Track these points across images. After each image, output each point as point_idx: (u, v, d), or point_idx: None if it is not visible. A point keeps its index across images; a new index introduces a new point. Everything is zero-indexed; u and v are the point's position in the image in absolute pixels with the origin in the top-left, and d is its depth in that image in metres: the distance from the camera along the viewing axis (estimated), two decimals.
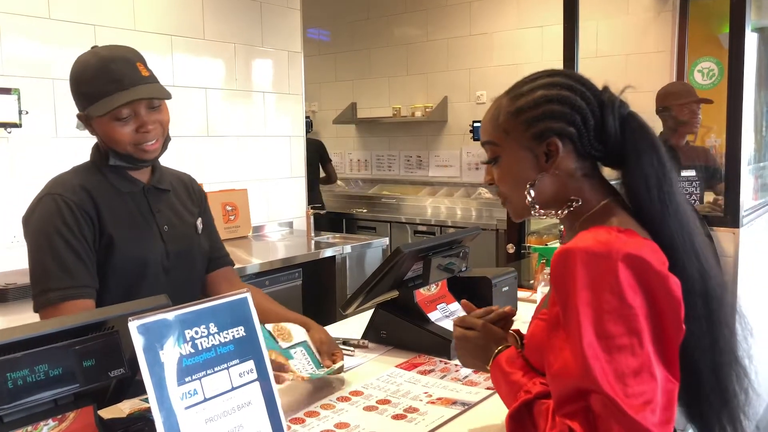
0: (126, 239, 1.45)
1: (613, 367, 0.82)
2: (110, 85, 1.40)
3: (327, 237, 3.94)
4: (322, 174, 5.37)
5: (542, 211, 1.03)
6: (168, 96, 1.49)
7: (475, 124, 5.12)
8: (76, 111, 1.49)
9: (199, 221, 1.65)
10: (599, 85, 1.03)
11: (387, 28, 5.78)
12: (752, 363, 1.00)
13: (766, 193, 3.43)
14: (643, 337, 0.83)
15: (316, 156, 5.30)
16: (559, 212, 1.02)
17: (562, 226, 2.60)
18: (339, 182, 6.18)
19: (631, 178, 0.98)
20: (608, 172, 1.06)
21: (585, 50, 3.18)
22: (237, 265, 3.03)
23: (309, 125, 5.50)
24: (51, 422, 0.93)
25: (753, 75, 3.01)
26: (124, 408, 1.25)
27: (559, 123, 0.98)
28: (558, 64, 3.25)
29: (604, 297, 0.84)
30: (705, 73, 3.52)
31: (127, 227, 1.47)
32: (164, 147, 1.53)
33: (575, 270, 0.85)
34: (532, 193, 1.01)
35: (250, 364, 1.02)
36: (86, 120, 1.46)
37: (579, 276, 0.85)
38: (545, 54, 4.73)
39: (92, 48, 1.49)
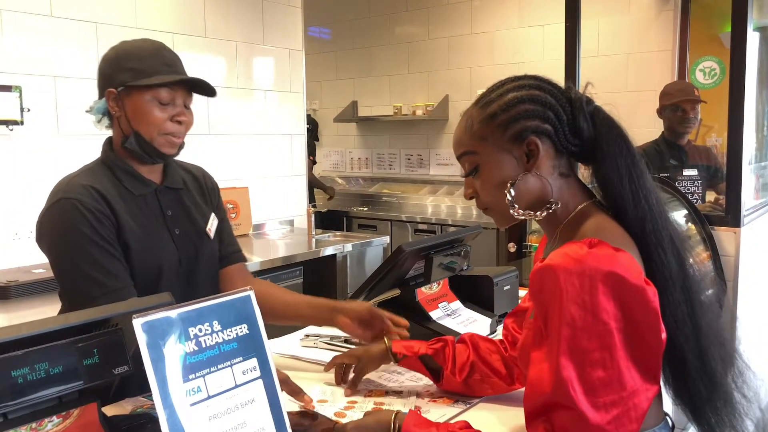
0: (140, 246, 1.43)
1: (584, 380, 0.86)
2: (164, 66, 1.43)
3: (328, 235, 3.94)
4: None
5: (521, 211, 1.03)
6: (214, 92, 1.50)
7: None
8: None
9: (211, 221, 1.61)
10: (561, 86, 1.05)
11: (388, 26, 5.78)
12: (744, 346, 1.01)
13: (767, 192, 3.43)
14: (614, 350, 0.86)
15: None
16: (539, 213, 1.02)
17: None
18: (340, 180, 6.19)
19: (603, 168, 0.99)
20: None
21: (586, 49, 3.19)
22: None
23: (315, 127, 5.56)
24: (55, 419, 0.94)
25: (754, 74, 3.01)
26: (127, 407, 1.26)
27: (534, 121, 0.99)
28: (559, 63, 3.25)
29: (579, 314, 0.86)
30: (706, 73, 3.52)
31: (141, 234, 1.44)
32: (180, 150, 1.52)
33: (552, 287, 0.88)
34: (512, 192, 1.01)
35: (253, 362, 1.02)
36: (117, 97, 1.43)
37: (555, 293, 0.87)
38: (546, 53, 4.73)
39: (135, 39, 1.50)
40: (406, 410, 1.11)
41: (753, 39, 2.76)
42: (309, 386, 1.36)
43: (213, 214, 1.63)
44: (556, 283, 0.87)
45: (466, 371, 1.33)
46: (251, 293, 1.05)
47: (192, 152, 3.47)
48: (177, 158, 1.59)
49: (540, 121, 1.00)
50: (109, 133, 1.52)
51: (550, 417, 0.88)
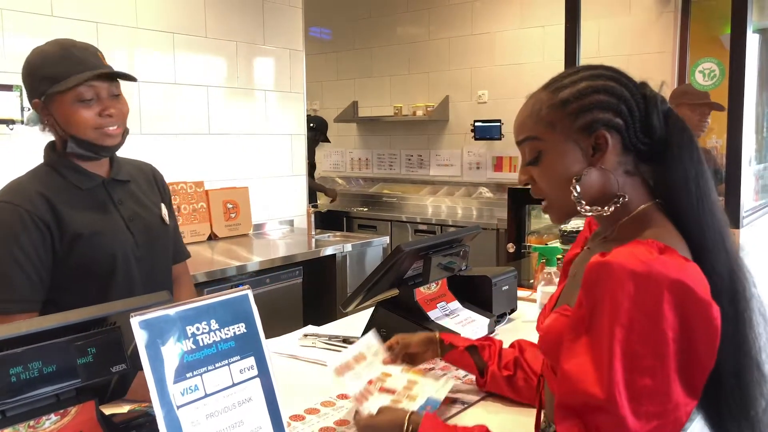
0: (92, 235, 1.46)
1: (631, 386, 0.83)
2: (75, 66, 1.42)
3: (327, 235, 3.94)
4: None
5: (588, 207, 0.98)
6: (134, 78, 1.50)
7: (477, 124, 5.13)
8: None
9: (164, 210, 1.65)
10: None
11: (389, 27, 5.78)
12: None
13: (766, 194, 3.43)
14: (666, 361, 0.84)
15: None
16: (606, 209, 0.98)
17: (562, 227, 2.60)
18: (340, 180, 6.19)
19: (671, 172, 0.96)
20: None
21: (586, 50, 3.19)
22: (238, 263, 3.05)
23: (323, 126, 5.51)
24: (53, 417, 0.94)
25: (754, 76, 3.01)
26: (124, 406, 1.26)
27: (606, 114, 0.95)
28: (560, 64, 3.25)
29: (638, 318, 0.83)
30: (706, 74, 3.53)
31: (92, 223, 1.47)
32: (123, 138, 1.52)
33: (613, 286, 0.84)
34: (578, 188, 0.97)
35: (250, 361, 1.02)
36: (44, 107, 1.44)
37: (615, 292, 0.84)
38: (547, 54, 4.73)
39: (46, 43, 1.50)
40: (435, 392, 1.10)
41: (753, 41, 2.76)
42: (311, 390, 1.36)
43: (163, 204, 1.66)
44: (617, 281, 0.84)
45: (511, 370, 1.31)
46: (249, 292, 1.05)
47: (192, 152, 3.51)
48: (127, 156, 1.61)
49: (612, 115, 0.95)
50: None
51: (587, 419, 0.86)
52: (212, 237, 3.61)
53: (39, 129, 1.52)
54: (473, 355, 1.36)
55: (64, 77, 1.41)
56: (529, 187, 1.04)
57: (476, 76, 5.26)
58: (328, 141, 5.72)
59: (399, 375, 1.30)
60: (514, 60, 5.00)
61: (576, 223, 2.53)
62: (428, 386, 1.28)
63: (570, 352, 0.90)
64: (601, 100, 0.96)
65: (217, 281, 2.87)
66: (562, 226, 2.59)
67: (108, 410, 1.15)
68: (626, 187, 0.99)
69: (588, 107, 0.96)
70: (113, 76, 1.47)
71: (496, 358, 1.33)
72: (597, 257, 0.88)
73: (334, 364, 1.24)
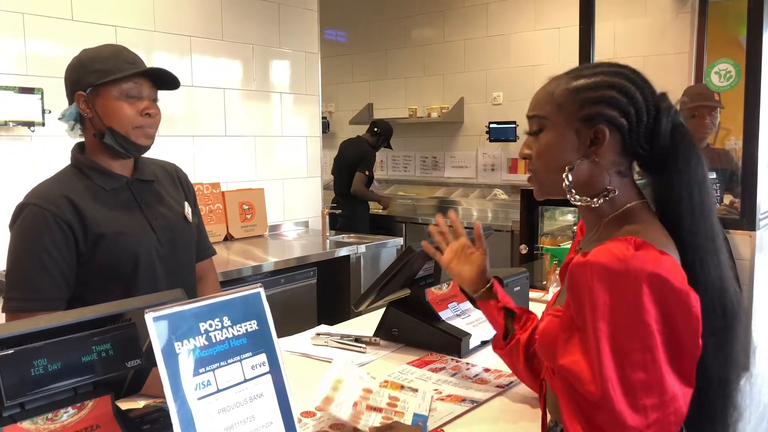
0: (115, 235, 1.49)
1: (624, 381, 0.85)
2: (125, 64, 1.50)
3: (342, 236, 3.97)
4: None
5: (577, 197, 1.01)
6: (178, 83, 1.56)
7: (491, 125, 5.13)
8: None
9: (187, 209, 1.69)
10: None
11: (404, 29, 5.80)
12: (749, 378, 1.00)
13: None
14: (656, 352, 0.85)
15: (354, 162, 4.98)
16: (595, 200, 1.01)
17: (575, 227, 2.60)
18: None
19: (668, 183, 0.97)
20: None
21: (603, 51, 3.18)
22: (253, 263, 3.08)
23: (325, 126, 5.51)
24: (70, 410, 0.96)
25: None
26: (140, 402, 1.28)
27: (613, 111, 0.97)
28: (574, 65, 3.24)
29: (621, 314, 0.86)
30: (722, 75, 3.49)
31: (116, 223, 1.51)
32: (152, 143, 1.57)
33: (593, 285, 0.87)
34: (570, 177, 1.00)
35: (262, 357, 1.04)
36: (87, 99, 1.49)
37: (596, 291, 0.87)
38: (562, 55, 4.72)
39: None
40: (420, 408, 1.12)
41: None
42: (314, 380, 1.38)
43: (186, 203, 1.70)
44: (597, 280, 0.87)
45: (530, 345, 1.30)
46: (261, 290, 1.07)
47: (209, 153, 3.55)
48: (149, 155, 1.65)
49: (618, 114, 0.97)
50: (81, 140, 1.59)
51: (590, 419, 0.87)
52: (228, 238, 3.65)
53: (67, 128, 1.56)
54: (506, 318, 1.33)
55: (114, 72, 1.48)
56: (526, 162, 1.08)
57: (491, 78, 5.26)
58: (390, 147, 5.39)
59: (379, 390, 1.33)
60: (529, 62, 4.99)
61: None
62: (410, 402, 1.30)
63: (564, 350, 0.92)
64: (612, 97, 0.97)
65: (233, 282, 2.91)
66: (574, 227, 2.59)
67: (124, 405, 1.18)
68: (617, 185, 1.01)
69: (596, 100, 0.98)
70: (160, 79, 1.54)
71: (529, 332, 1.30)
72: (578, 258, 0.91)
73: (316, 403, 1.24)
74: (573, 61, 3.19)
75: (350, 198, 4.99)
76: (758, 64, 2.58)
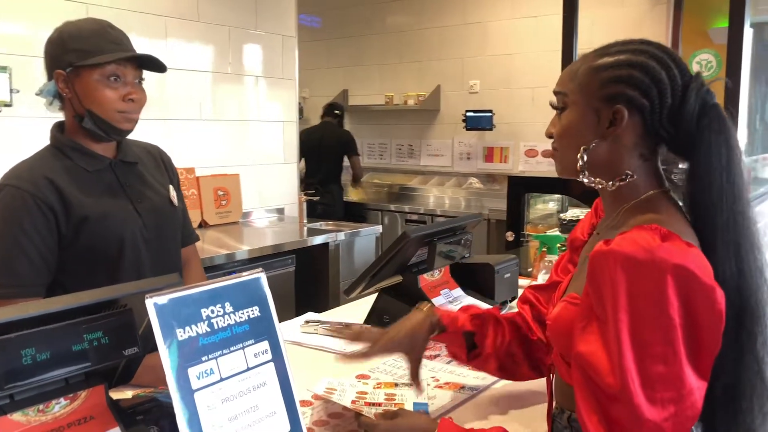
0: (99, 217, 1.43)
1: (643, 374, 0.83)
2: (109, 44, 1.42)
3: (319, 224, 3.92)
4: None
5: (592, 178, 0.99)
6: (164, 67, 1.49)
7: (468, 114, 5.12)
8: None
9: (172, 191, 1.63)
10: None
11: (379, 15, 5.74)
12: None
13: (757, 186, 3.46)
14: (677, 346, 0.83)
15: (340, 148, 5.09)
16: (610, 183, 0.98)
17: (562, 215, 2.60)
18: None
19: (695, 170, 0.93)
20: None
21: (580, 42, 3.18)
22: (227, 251, 3.01)
23: (300, 112, 5.43)
24: (62, 401, 0.91)
25: (748, 69, 3.03)
26: (127, 392, 1.23)
27: (633, 91, 0.94)
28: (552, 54, 3.24)
29: (644, 306, 0.83)
30: (703, 65, 3.54)
31: (99, 205, 1.45)
32: (134, 126, 1.51)
33: (615, 274, 0.84)
34: (585, 157, 0.97)
35: (264, 345, 1.00)
36: (67, 78, 1.42)
37: (619, 281, 0.84)
38: (540, 44, 4.72)
39: (80, 18, 1.49)
40: (418, 398, 1.09)
41: (747, 34, 2.77)
42: (314, 376, 1.35)
43: (171, 186, 1.64)
44: (621, 270, 0.84)
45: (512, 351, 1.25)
46: (262, 275, 1.03)
47: (183, 137, 3.45)
48: (132, 137, 1.58)
49: (639, 94, 0.93)
50: (61, 116, 1.51)
51: (607, 412, 0.85)
52: (203, 224, 3.57)
53: (46, 103, 1.49)
54: (467, 339, 1.27)
55: (96, 53, 1.39)
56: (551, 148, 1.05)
57: (468, 66, 5.25)
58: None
59: (373, 392, 1.29)
60: (506, 50, 4.99)
61: (574, 212, 2.53)
62: (407, 393, 1.27)
63: (582, 339, 0.89)
64: (633, 76, 0.94)
65: (208, 269, 2.83)
66: (561, 215, 2.60)
67: (113, 395, 1.13)
68: (638, 170, 0.98)
69: (617, 79, 0.95)
70: (144, 63, 1.46)
71: (492, 338, 1.23)
72: (600, 245, 0.88)
73: (313, 391, 1.21)
74: (550, 50, 3.20)
75: (331, 185, 4.96)
76: (738, 56, 2.61)
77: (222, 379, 0.92)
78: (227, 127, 3.74)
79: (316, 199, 3.90)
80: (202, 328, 0.92)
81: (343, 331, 1.25)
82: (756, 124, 3.80)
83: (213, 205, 3.61)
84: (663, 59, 0.95)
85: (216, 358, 0.93)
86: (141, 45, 3.21)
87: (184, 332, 0.90)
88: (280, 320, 1.81)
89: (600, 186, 1.00)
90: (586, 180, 1.00)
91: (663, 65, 0.94)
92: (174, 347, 0.88)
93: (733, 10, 2.64)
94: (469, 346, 1.27)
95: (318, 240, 3.43)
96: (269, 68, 3.98)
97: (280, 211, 4.08)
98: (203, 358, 0.91)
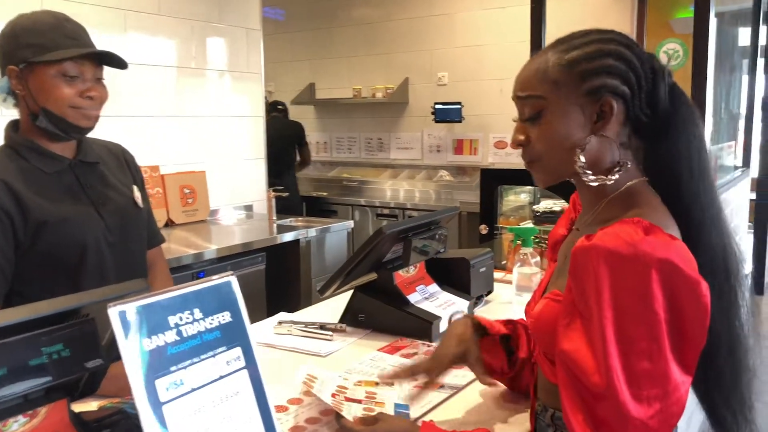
0: (59, 221, 1.36)
1: (629, 371, 0.81)
2: (66, 39, 1.34)
3: (289, 220, 3.85)
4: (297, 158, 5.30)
5: (593, 177, 0.95)
6: (125, 64, 1.42)
7: (437, 106, 5.10)
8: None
9: (136, 192, 1.56)
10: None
11: (345, 7, 5.68)
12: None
13: (723, 174, 3.51)
14: (662, 342, 0.82)
15: (294, 139, 5.19)
16: (609, 177, 0.95)
17: (535, 207, 2.59)
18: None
19: (671, 148, 0.93)
20: None
21: (548, 33, 3.18)
22: (195, 251, 2.94)
23: (279, 108, 5.35)
24: (21, 418, 0.86)
25: (713, 59, 3.06)
26: (93, 403, 1.17)
27: (615, 80, 0.91)
28: (520, 45, 3.23)
29: (629, 301, 0.81)
30: (670, 54, 3.57)
31: (59, 209, 1.37)
32: (95, 123, 1.43)
33: (598, 270, 0.82)
34: (583, 158, 0.93)
35: (237, 351, 0.95)
36: (20, 75, 1.34)
37: (603, 277, 0.82)
38: (508, 35, 4.71)
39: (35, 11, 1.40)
40: (399, 398, 1.06)
41: (713, 23, 2.80)
42: (289, 379, 1.30)
43: (135, 186, 1.58)
44: (604, 265, 0.82)
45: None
46: (233, 278, 0.99)
47: (147, 134, 3.36)
48: (93, 136, 1.51)
49: (620, 82, 0.91)
50: (15, 113, 1.43)
51: (592, 411, 0.83)
52: (169, 224, 3.48)
53: (15, 90, 1.39)
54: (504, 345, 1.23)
55: (51, 49, 1.32)
56: (520, 150, 0.99)
57: (436, 58, 5.22)
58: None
59: (354, 388, 1.25)
60: (474, 42, 4.98)
61: (547, 204, 2.52)
62: (388, 393, 1.23)
63: (566, 337, 0.88)
64: (611, 65, 0.92)
65: (175, 269, 2.76)
66: (534, 207, 2.59)
67: (77, 408, 1.07)
68: (624, 159, 0.96)
69: (596, 71, 0.92)
70: (103, 60, 1.39)
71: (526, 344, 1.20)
72: (582, 240, 0.86)
73: (288, 396, 1.18)
74: (518, 41, 3.19)
75: (286, 176, 4.91)
76: (705, 46, 2.63)
77: (192, 390, 0.87)
78: (192, 123, 3.64)
79: (285, 194, 3.83)
80: (170, 336, 0.87)
81: (399, 374, 1.21)
82: (721, 112, 3.86)
83: (179, 204, 3.53)
84: (630, 45, 0.94)
85: (186, 367, 0.88)
86: (100, 40, 3.11)
87: (151, 342, 0.84)
88: (252, 321, 1.76)
89: (601, 182, 0.95)
90: (588, 180, 0.95)
91: (633, 51, 0.94)
92: (140, 358, 0.82)
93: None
94: (508, 355, 1.23)
95: (288, 237, 3.37)
96: (234, 62, 3.89)
97: (249, 208, 4.00)
98: (172, 369, 0.86)
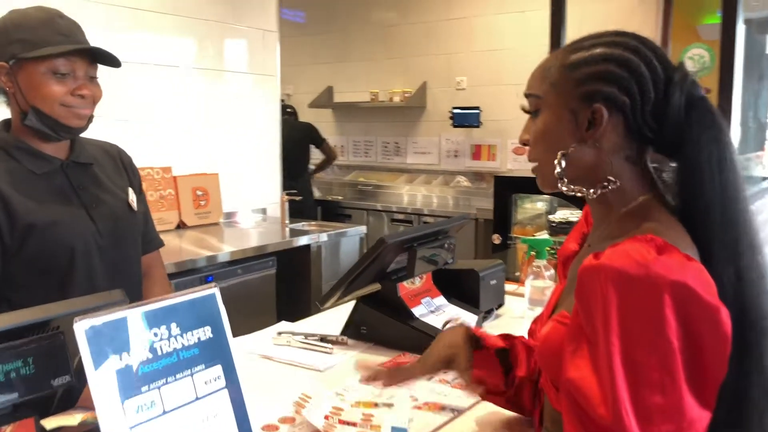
0: (47, 225, 1.31)
1: (639, 405, 0.73)
2: (57, 36, 1.30)
3: (302, 224, 3.80)
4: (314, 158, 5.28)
5: (571, 186, 0.89)
6: (118, 62, 1.37)
7: (455, 111, 5.02)
8: None
9: (131, 195, 1.51)
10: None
11: (364, 10, 5.63)
12: None
13: (751, 185, 3.39)
14: (676, 373, 0.73)
15: (306, 140, 5.16)
16: (592, 191, 0.89)
17: (551, 217, 2.50)
18: (313, 167, 6.03)
19: (686, 168, 0.84)
20: None
21: (569, 37, 3.09)
22: (208, 253, 2.90)
23: (288, 111, 5.33)
24: None
25: (741, 66, 2.95)
26: (76, 415, 1.12)
27: (611, 87, 0.85)
28: (540, 49, 3.12)
29: (638, 327, 0.74)
30: (695, 60, 3.45)
31: (47, 212, 1.32)
32: (88, 123, 1.38)
33: (606, 292, 0.75)
34: (563, 164, 0.88)
35: (217, 370, 0.89)
36: (9, 72, 1.30)
37: (610, 300, 0.74)
38: (526, 39, 4.62)
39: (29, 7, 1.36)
40: (397, 421, 0.99)
41: (740, 31, 2.69)
42: (284, 395, 1.24)
43: (130, 189, 1.52)
44: (611, 286, 0.74)
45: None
46: (216, 291, 0.92)
47: (160, 136, 3.32)
48: (89, 136, 1.46)
49: (618, 90, 0.84)
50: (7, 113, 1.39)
51: None
52: (180, 225, 3.45)
53: (4, 88, 1.35)
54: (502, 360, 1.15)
55: (41, 45, 1.28)
56: (526, 154, 0.96)
57: (454, 63, 5.15)
58: None
59: (350, 410, 1.18)
60: (493, 46, 4.89)
61: (564, 214, 2.44)
62: (386, 415, 1.15)
63: (572, 364, 0.80)
64: (611, 71, 0.85)
65: (186, 272, 2.72)
66: (550, 216, 2.50)
67: (55, 422, 1.02)
68: (624, 173, 0.89)
69: (593, 76, 0.85)
70: (96, 56, 1.34)
71: (526, 364, 1.13)
72: (590, 259, 0.78)
73: (279, 414, 1.13)
74: (538, 45, 3.10)
75: (299, 178, 4.87)
76: (732, 53, 2.53)
77: (165, 412, 0.81)
78: (206, 124, 3.61)
79: (298, 198, 3.77)
80: (143, 354, 0.81)
81: (379, 375, 1.16)
82: (749, 121, 3.72)
83: (192, 206, 3.49)
84: (641, 50, 0.86)
85: (159, 387, 0.82)
86: (112, 39, 3.10)
87: (121, 359, 0.79)
88: (260, 326, 1.72)
89: (580, 194, 0.90)
90: (564, 189, 0.90)
91: (641, 57, 0.85)
92: (107, 378, 0.77)
93: (726, 4, 2.56)
94: (505, 371, 1.15)
95: (301, 241, 3.32)
96: (250, 64, 3.85)
97: (263, 211, 3.96)
98: (143, 389, 0.80)
